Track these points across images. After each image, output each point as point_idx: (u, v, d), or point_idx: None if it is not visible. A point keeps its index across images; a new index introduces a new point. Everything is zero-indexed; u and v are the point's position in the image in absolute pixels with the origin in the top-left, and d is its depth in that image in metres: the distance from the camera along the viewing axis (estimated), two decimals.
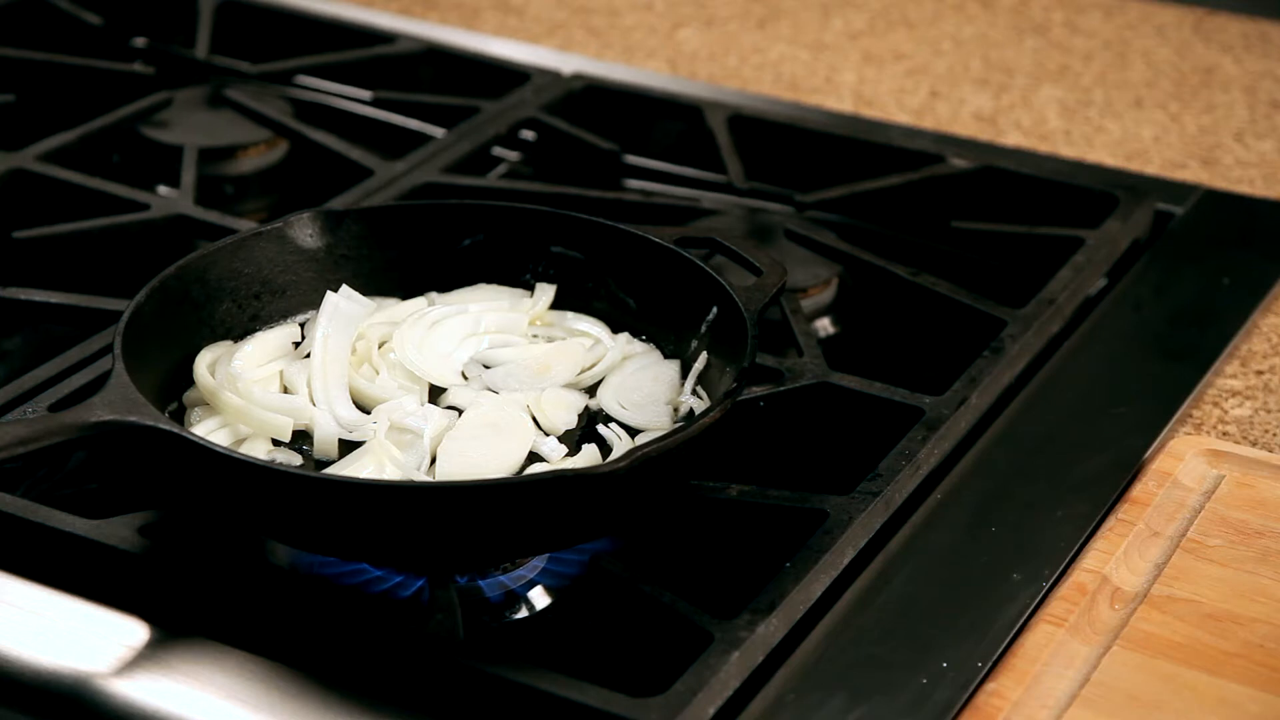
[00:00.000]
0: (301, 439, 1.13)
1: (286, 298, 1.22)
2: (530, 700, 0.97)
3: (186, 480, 1.07)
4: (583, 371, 1.19)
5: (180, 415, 1.14)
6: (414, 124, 1.63)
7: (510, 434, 1.13)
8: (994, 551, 1.12)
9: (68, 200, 1.46)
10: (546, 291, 1.23)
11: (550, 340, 1.22)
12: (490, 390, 1.18)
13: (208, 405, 1.14)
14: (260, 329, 1.20)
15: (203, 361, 1.16)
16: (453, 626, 1.01)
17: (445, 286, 1.25)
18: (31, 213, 1.44)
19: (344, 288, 1.21)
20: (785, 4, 1.91)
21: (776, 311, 1.30)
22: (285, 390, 1.17)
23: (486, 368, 1.20)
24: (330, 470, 1.10)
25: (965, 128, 1.67)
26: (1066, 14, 1.91)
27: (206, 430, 1.12)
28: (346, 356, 1.17)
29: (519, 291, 1.25)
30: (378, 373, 1.18)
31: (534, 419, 1.15)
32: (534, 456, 1.13)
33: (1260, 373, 1.33)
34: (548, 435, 1.14)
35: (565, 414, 1.16)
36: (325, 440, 1.12)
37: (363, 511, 1.02)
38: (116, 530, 1.07)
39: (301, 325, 1.22)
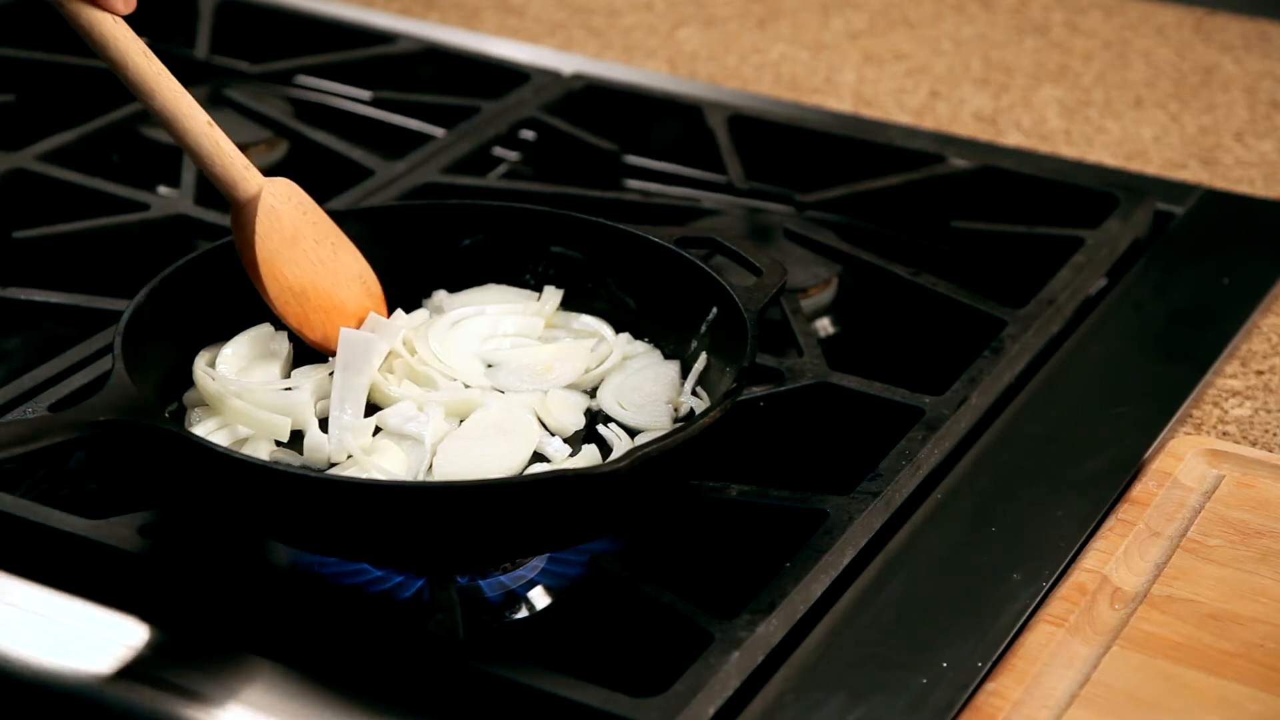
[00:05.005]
0: (302, 439, 1.13)
1: None
2: (530, 700, 0.97)
3: (187, 480, 1.07)
4: (587, 371, 1.19)
5: (180, 416, 1.14)
6: (414, 124, 1.63)
7: (515, 436, 1.12)
8: (994, 551, 1.12)
9: (68, 200, 1.46)
10: (554, 295, 1.23)
11: (553, 341, 1.22)
12: (496, 390, 1.17)
13: (207, 406, 1.14)
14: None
15: (201, 362, 1.16)
16: (453, 626, 1.01)
17: (445, 287, 1.25)
18: (31, 213, 1.44)
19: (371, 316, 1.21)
20: (785, 4, 1.92)
21: (776, 311, 1.30)
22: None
23: (489, 367, 1.20)
24: (330, 470, 1.10)
25: (965, 128, 1.67)
26: (1066, 14, 1.91)
27: (206, 431, 1.12)
28: (365, 393, 1.16)
29: (527, 293, 1.25)
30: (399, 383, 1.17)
31: (541, 421, 1.15)
32: (536, 459, 1.12)
33: (1260, 373, 1.33)
34: (553, 436, 1.14)
35: (572, 415, 1.16)
36: (312, 450, 1.12)
37: (363, 511, 1.02)
38: (116, 530, 1.07)
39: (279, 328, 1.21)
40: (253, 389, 1.14)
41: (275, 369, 1.18)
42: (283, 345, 1.19)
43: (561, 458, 1.12)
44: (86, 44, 1.12)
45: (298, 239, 1.17)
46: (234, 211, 1.17)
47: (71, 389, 1.20)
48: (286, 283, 1.16)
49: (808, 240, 1.43)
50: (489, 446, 1.11)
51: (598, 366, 1.19)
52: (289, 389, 1.15)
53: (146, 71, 1.13)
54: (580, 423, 1.15)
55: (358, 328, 1.18)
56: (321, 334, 1.18)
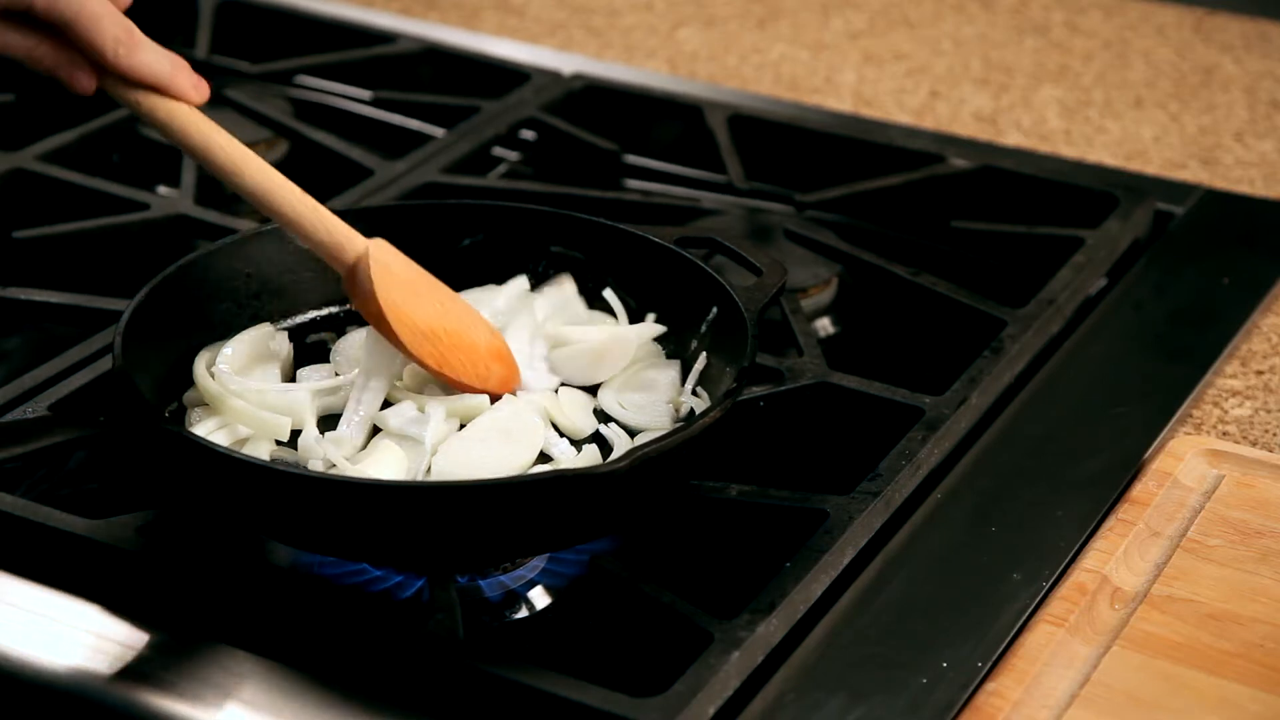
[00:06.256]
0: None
1: (286, 298, 1.22)
2: (530, 700, 0.97)
3: (187, 480, 1.07)
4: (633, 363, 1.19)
5: (180, 416, 1.14)
6: (414, 124, 1.63)
7: (519, 440, 1.12)
8: (994, 551, 1.12)
9: (68, 200, 1.46)
10: (566, 281, 1.24)
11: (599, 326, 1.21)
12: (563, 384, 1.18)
13: (207, 405, 1.14)
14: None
15: (201, 362, 1.16)
16: (453, 626, 1.01)
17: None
18: (31, 213, 1.44)
19: None
20: (785, 4, 1.92)
21: (776, 311, 1.30)
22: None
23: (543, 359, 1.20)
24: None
25: (965, 128, 1.67)
26: (1066, 14, 1.91)
27: (206, 431, 1.12)
28: (381, 396, 1.15)
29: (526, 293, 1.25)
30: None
31: (554, 423, 1.15)
32: (542, 460, 1.12)
33: (1260, 373, 1.33)
34: (562, 436, 1.14)
35: (585, 416, 1.15)
36: (305, 451, 1.12)
37: (363, 511, 1.02)
38: (116, 530, 1.07)
39: (279, 328, 1.21)
40: (253, 389, 1.13)
41: (275, 369, 1.18)
42: (283, 345, 1.19)
43: (568, 460, 1.12)
44: (165, 136, 1.12)
45: (414, 286, 1.15)
46: (346, 275, 1.14)
47: (71, 389, 1.20)
48: (417, 327, 1.14)
49: (808, 240, 1.43)
50: (490, 449, 1.11)
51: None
52: (290, 389, 1.15)
53: (233, 154, 1.12)
54: (593, 425, 1.15)
55: (496, 366, 1.16)
56: (466, 373, 1.15)
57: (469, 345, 1.16)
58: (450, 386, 1.15)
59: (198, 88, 1.12)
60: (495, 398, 1.15)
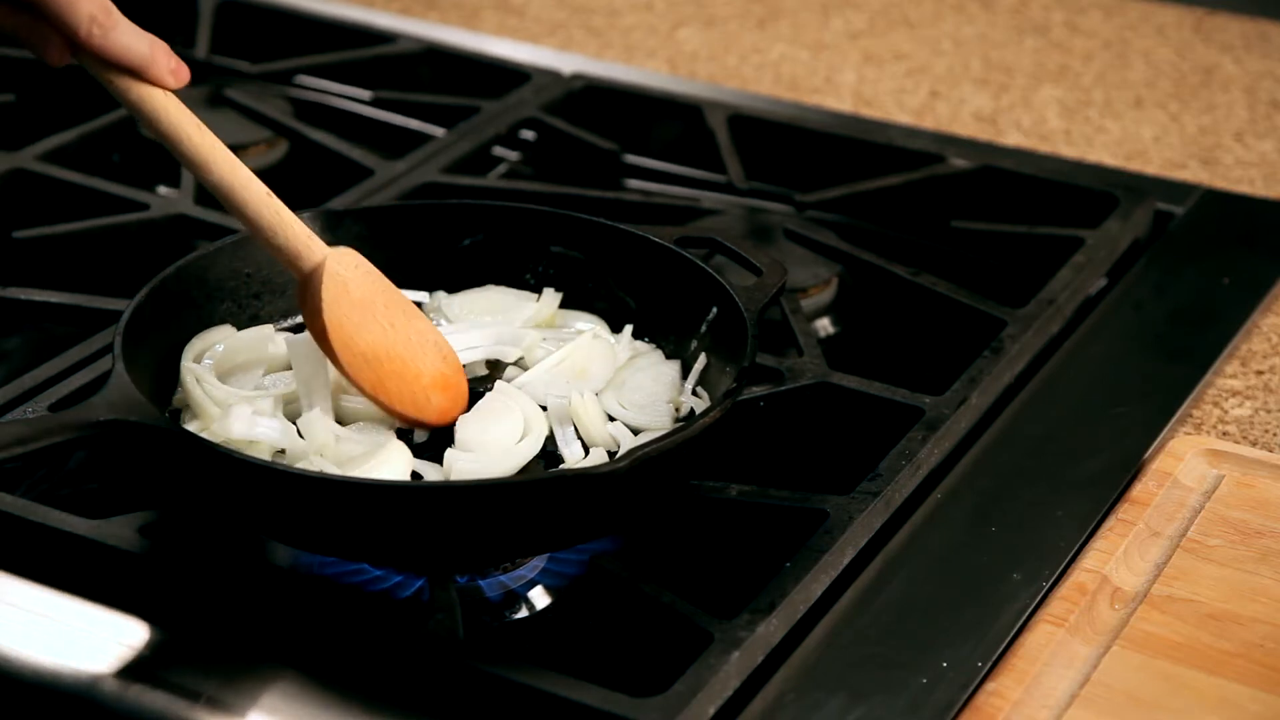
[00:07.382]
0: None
1: (286, 298, 1.22)
2: (530, 700, 0.97)
3: (187, 480, 1.07)
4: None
5: (179, 415, 1.14)
6: (414, 124, 1.63)
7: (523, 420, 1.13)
8: (994, 551, 1.12)
9: (68, 200, 1.46)
10: (552, 297, 1.23)
11: (571, 341, 1.21)
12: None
13: (189, 407, 1.14)
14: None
15: (189, 356, 1.15)
16: (453, 626, 1.01)
17: (445, 287, 1.25)
18: (31, 213, 1.44)
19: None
20: (785, 4, 1.92)
21: (776, 311, 1.30)
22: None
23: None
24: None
25: (965, 128, 1.67)
26: (1066, 14, 1.91)
27: (198, 427, 1.11)
28: (329, 405, 1.14)
29: (526, 294, 1.24)
30: None
31: (575, 429, 1.15)
32: (552, 460, 1.13)
33: (1260, 373, 1.33)
34: (579, 439, 1.14)
35: (604, 423, 1.15)
36: (297, 452, 1.11)
37: (363, 511, 1.02)
38: (116, 530, 1.07)
39: (280, 328, 1.20)
40: (223, 393, 1.12)
41: (258, 372, 1.17)
42: (279, 348, 1.19)
43: (577, 460, 1.12)
44: (136, 119, 1.09)
45: (368, 305, 1.12)
46: (300, 283, 1.11)
47: (71, 389, 1.20)
48: (359, 349, 1.11)
49: (808, 240, 1.43)
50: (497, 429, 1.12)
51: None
52: (256, 395, 1.14)
53: (201, 145, 1.09)
54: (609, 440, 1.15)
55: (436, 396, 1.13)
56: (399, 400, 1.12)
57: (412, 373, 1.13)
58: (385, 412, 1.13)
59: (175, 73, 1.09)
60: (435, 428, 1.13)
